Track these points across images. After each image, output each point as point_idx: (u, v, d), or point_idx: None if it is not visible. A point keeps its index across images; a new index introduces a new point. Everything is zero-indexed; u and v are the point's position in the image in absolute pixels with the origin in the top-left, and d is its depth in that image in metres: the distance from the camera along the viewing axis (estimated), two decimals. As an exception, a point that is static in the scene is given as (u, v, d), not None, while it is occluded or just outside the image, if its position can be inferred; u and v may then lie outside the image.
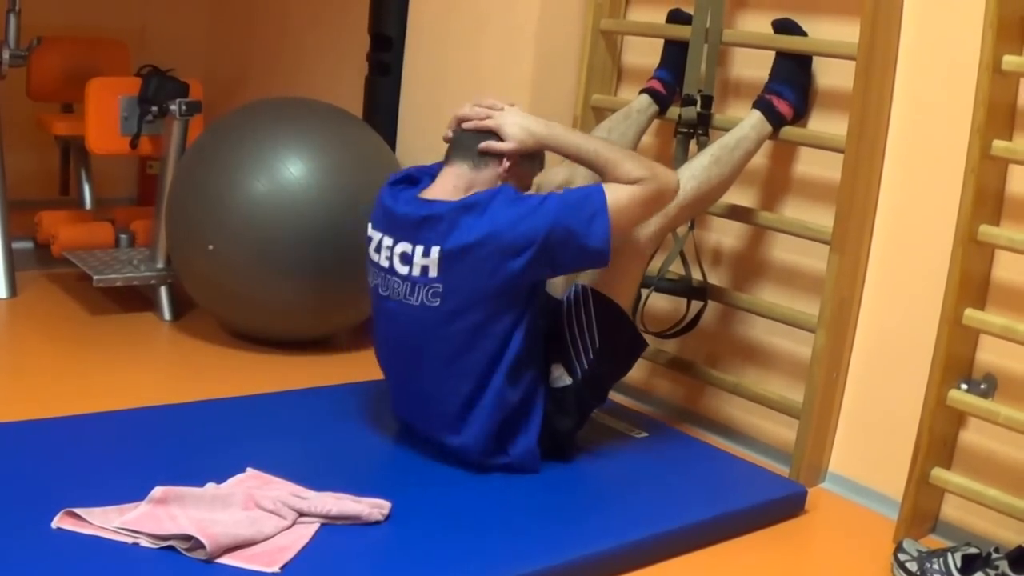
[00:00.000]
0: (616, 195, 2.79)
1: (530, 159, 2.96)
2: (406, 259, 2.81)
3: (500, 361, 2.82)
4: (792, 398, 3.28)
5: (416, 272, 2.79)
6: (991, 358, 2.90)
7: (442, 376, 2.86)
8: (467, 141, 2.91)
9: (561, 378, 2.97)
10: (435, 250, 2.75)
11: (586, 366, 2.96)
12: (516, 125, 2.89)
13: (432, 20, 4.18)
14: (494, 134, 2.89)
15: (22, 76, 4.70)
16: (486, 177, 2.88)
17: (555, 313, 3.00)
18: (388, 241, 2.86)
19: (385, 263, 2.86)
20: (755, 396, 3.41)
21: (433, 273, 2.76)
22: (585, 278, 3.02)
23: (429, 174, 2.99)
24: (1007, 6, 2.70)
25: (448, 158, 2.95)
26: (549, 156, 3.57)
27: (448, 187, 2.87)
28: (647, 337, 3.40)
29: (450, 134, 2.98)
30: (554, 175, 3.29)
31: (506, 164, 2.88)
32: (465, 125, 2.94)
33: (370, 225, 2.97)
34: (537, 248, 2.71)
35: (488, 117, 2.91)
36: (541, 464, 2.94)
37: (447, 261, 2.75)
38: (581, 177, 3.29)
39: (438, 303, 2.78)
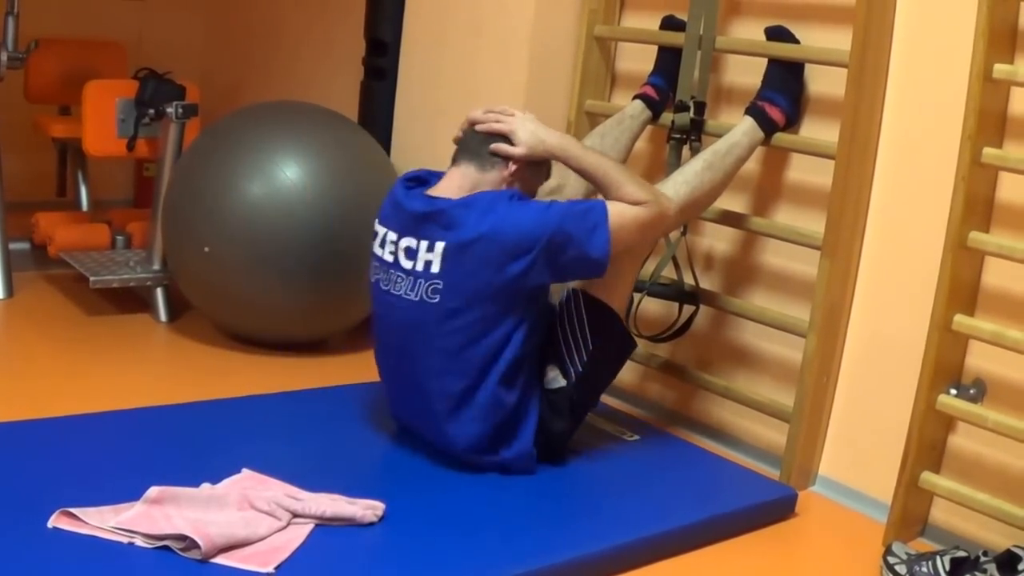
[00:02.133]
0: (618, 212, 2.84)
1: (537, 167, 2.98)
2: (410, 254, 2.84)
3: (496, 363, 2.84)
4: (783, 402, 3.30)
5: (419, 267, 2.82)
6: (980, 363, 2.92)
7: (437, 373, 2.88)
8: (476, 142, 2.94)
9: (556, 379, 2.98)
10: (439, 245, 2.79)
11: (580, 368, 2.98)
12: (528, 132, 2.91)
13: (427, 25, 4.20)
14: (506, 138, 2.91)
15: (20, 78, 4.71)
16: (492, 179, 2.91)
17: (549, 316, 3.02)
18: (393, 236, 2.90)
19: (389, 257, 2.90)
20: (746, 400, 3.43)
21: (435, 268, 2.79)
22: (578, 282, 3.02)
23: (439, 176, 3.01)
24: (998, 15, 2.72)
25: (456, 158, 2.98)
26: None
27: (454, 186, 2.90)
28: (640, 341, 3.42)
29: (460, 135, 3.00)
30: (546, 181, 3.30)
31: (512, 168, 2.91)
32: (478, 128, 2.95)
33: (377, 220, 3.00)
34: (538, 251, 2.75)
35: (500, 121, 2.93)
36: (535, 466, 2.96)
37: (450, 257, 2.78)
38: (572, 186, 3.32)
39: (437, 299, 2.80)
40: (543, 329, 2.98)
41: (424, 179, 3.02)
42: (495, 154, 2.91)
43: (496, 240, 2.75)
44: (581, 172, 2.98)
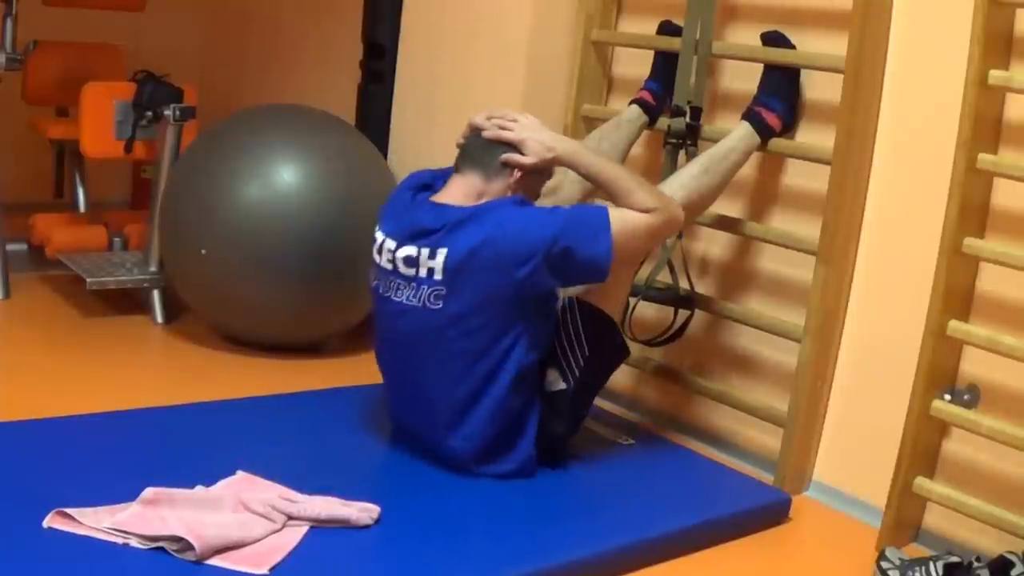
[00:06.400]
0: (623, 219, 2.83)
1: (540, 173, 2.98)
2: (410, 262, 2.82)
3: (502, 370, 2.84)
4: (777, 407, 3.31)
5: (422, 273, 2.80)
6: (975, 369, 2.92)
7: (441, 380, 2.87)
8: (481, 151, 2.92)
9: (556, 382, 2.97)
10: (441, 253, 2.78)
11: (578, 374, 2.98)
12: (536, 141, 2.90)
13: (425, 29, 4.20)
14: (512, 146, 2.90)
15: (18, 80, 4.71)
16: (497, 188, 2.90)
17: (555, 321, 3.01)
18: (391, 244, 2.88)
19: (388, 265, 2.88)
20: (741, 404, 3.43)
21: (438, 276, 2.78)
22: (575, 289, 3.02)
23: (443, 178, 2.99)
24: (994, 21, 2.72)
25: (459, 166, 2.96)
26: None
27: (459, 195, 2.89)
28: (635, 345, 3.43)
29: (463, 140, 2.99)
30: None
31: (518, 175, 2.90)
32: (484, 135, 2.93)
33: (377, 226, 2.99)
34: (541, 256, 2.74)
35: (506, 128, 2.92)
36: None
37: (453, 264, 2.76)
38: (570, 183, 3.32)
39: (440, 305, 2.79)
40: (549, 335, 2.97)
41: (429, 183, 3.01)
42: (504, 164, 2.90)
43: (499, 246, 2.74)
44: (589, 178, 2.99)
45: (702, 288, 3.58)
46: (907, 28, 3.05)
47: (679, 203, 3.11)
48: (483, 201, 2.86)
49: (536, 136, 2.91)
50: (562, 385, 2.98)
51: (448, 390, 2.87)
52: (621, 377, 3.60)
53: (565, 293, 3.04)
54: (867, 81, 3.07)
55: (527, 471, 2.95)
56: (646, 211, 2.86)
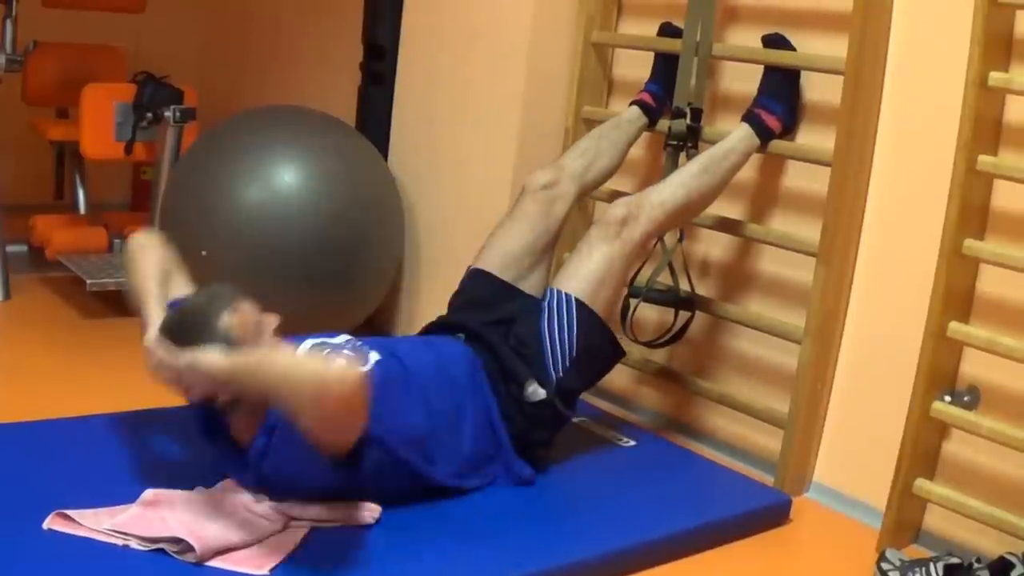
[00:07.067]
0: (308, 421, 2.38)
1: (233, 385, 2.51)
2: None
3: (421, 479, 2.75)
4: (778, 408, 3.31)
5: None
6: (975, 370, 2.92)
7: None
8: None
9: (536, 392, 2.92)
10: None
11: (561, 374, 2.93)
12: (202, 380, 2.52)
13: (425, 30, 4.20)
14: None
15: (18, 81, 4.72)
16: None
17: (532, 315, 2.99)
18: None
19: None
20: (741, 406, 3.43)
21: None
22: (567, 284, 3.01)
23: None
24: (994, 23, 2.72)
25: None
26: (534, 159, 3.61)
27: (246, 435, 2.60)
28: (636, 347, 3.43)
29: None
30: (538, 177, 3.30)
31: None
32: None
33: None
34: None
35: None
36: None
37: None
38: (568, 178, 3.31)
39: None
40: (414, 440, 2.73)
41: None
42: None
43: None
44: (254, 385, 2.50)
45: (702, 290, 3.58)
46: (907, 29, 3.05)
47: (678, 203, 3.11)
48: (256, 434, 2.58)
49: (198, 369, 2.49)
50: (542, 394, 2.92)
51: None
52: (622, 378, 3.61)
53: (554, 286, 3.03)
54: (867, 83, 3.07)
55: (529, 483, 2.93)
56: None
